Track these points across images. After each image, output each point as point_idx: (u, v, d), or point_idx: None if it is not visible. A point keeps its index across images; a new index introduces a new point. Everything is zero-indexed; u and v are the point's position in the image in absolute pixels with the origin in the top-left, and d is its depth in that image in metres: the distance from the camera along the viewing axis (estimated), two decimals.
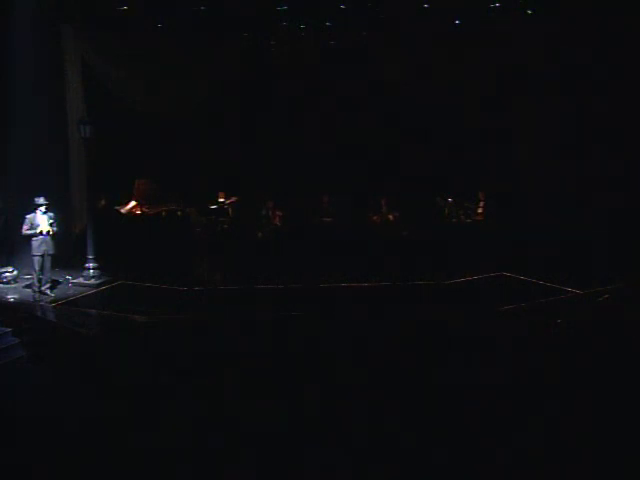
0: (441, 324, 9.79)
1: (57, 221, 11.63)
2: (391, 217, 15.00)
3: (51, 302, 11.26)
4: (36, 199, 11.43)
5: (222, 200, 15.31)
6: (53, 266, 11.86)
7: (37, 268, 11.44)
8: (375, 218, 15.10)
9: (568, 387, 7.14)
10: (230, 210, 15.31)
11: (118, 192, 15.43)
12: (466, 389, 7.24)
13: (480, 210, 14.85)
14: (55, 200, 11.91)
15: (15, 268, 12.54)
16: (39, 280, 11.52)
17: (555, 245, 12.79)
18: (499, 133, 14.93)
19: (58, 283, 12.30)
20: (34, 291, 11.54)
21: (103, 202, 15.11)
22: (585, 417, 6.47)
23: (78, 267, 12.63)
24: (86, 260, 12.43)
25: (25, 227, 11.35)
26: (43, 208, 11.42)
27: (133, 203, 15.49)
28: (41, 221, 11.40)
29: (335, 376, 7.65)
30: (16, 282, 12.42)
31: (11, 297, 11.55)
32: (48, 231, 11.40)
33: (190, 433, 6.35)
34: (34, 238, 11.37)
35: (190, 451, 6.02)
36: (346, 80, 15.15)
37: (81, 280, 12.43)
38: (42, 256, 11.46)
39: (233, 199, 15.43)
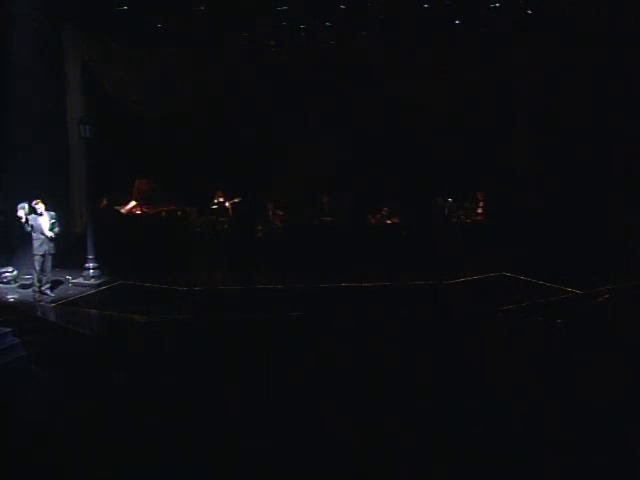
0: (441, 324, 9.80)
1: (58, 221, 11.62)
2: (391, 218, 14.99)
3: (51, 302, 11.26)
4: (33, 205, 11.29)
5: (221, 200, 15.30)
6: (53, 266, 11.86)
7: (38, 268, 11.43)
8: (375, 218, 15.09)
9: (568, 387, 7.14)
10: (230, 210, 15.31)
11: (118, 192, 15.42)
12: (466, 389, 7.25)
13: (480, 210, 14.85)
14: (55, 200, 11.88)
15: (15, 268, 12.53)
16: (39, 280, 11.51)
17: (555, 245, 12.78)
18: (499, 133, 14.94)
19: (58, 283, 12.30)
20: (34, 291, 11.54)
21: (103, 202, 15.11)
22: (585, 417, 6.48)
23: (78, 267, 12.63)
24: (86, 260, 12.42)
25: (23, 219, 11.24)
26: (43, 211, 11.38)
27: (133, 203, 15.48)
28: (42, 222, 11.39)
29: (335, 376, 7.66)
30: (16, 282, 12.42)
31: (11, 297, 11.54)
32: (50, 237, 11.37)
33: (190, 433, 6.36)
34: (35, 238, 11.35)
35: (190, 451, 6.02)
36: (346, 80, 15.14)
37: (81, 280, 12.42)
38: (43, 256, 11.45)
39: (235, 200, 15.40)
